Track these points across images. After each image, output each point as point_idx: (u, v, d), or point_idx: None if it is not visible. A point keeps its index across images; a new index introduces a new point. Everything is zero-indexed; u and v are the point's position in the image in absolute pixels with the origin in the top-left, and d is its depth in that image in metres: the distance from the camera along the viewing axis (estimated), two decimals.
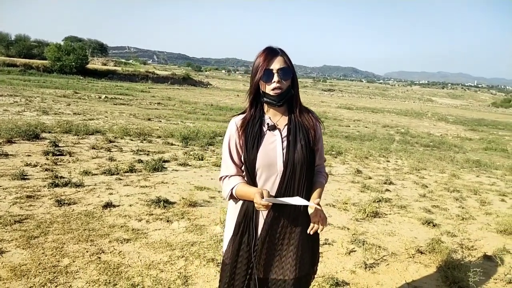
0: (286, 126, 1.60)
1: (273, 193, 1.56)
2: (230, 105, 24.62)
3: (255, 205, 1.47)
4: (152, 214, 3.93)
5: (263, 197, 1.44)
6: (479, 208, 5.69)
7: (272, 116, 1.62)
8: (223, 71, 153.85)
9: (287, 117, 1.62)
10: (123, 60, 76.50)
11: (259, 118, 1.60)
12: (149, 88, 35.03)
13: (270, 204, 1.43)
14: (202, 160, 6.90)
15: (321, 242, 3.68)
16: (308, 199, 1.61)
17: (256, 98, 1.61)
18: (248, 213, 1.58)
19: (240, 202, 1.62)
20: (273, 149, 1.56)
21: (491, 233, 4.57)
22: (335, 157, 9.26)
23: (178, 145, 8.21)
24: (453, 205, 5.69)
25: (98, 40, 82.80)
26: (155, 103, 21.28)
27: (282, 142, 1.57)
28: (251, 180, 1.58)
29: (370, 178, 7.14)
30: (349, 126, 22.40)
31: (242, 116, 1.64)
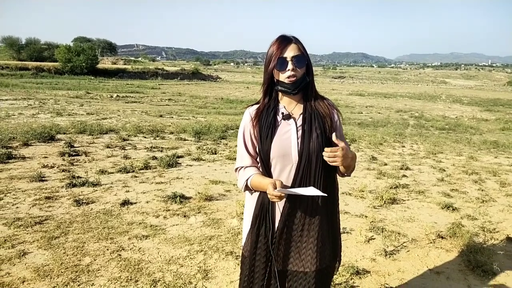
0: (301, 115, 1.56)
1: (288, 184, 1.52)
2: (240, 98, 24.58)
3: (268, 196, 1.45)
4: (169, 210, 3.96)
5: (276, 188, 1.41)
6: (499, 190, 5.56)
7: (286, 105, 1.59)
8: (232, 63, 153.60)
9: (302, 106, 1.58)
10: (132, 58, 77.04)
11: (274, 108, 1.57)
12: (159, 84, 35.20)
13: (283, 195, 1.40)
14: (215, 154, 6.91)
15: None
16: (325, 190, 1.56)
17: (270, 87, 1.58)
18: (264, 205, 1.57)
19: (256, 194, 1.60)
20: (287, 139, 1.52)
21: None
22: (349, 145, 9.16)
23: (190, 140, 8.24)
24: (472, 188, 5.58)
25: (106, 40, 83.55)
26: (166, 100, 21.38)
27: (297, 131, 1.53)
28: (266, 171, 1.55)
29: (385, 164, 7.05)
30: (362, 113, 22.12)
31: (256, 106, 1.62)
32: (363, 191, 4.94)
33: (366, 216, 4.11)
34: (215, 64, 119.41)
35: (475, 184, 5.83)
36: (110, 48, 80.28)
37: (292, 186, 1.52)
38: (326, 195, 1.44)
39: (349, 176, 1.62)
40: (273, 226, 1.55)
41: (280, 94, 1.59)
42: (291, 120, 1.55)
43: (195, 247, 3.16)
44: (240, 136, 1.62)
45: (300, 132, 1.53)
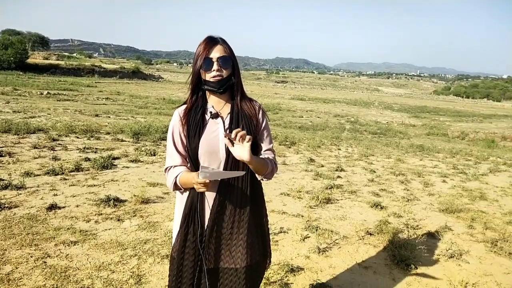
0: (229, 115, 1.60)
1: (217, 183, 1.55)
2: (183, 99, 23.91)
3: (195, 187, 1.46)
4: (101, 214, 3.77)
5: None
6: (422, 190, 6.06)
7: (214, 104, 1.62)
8: (175, 64, 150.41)
9: (229, 106, 1.63)
10: (66, 54, 72.23)
11: (202, 107, 1.61)
12: (96, 82, 33.44)
13: (207, 181, 1.40)
14: (154, 155, 6.72)
15: (276, 231, 3.76)
16: (252, 187, 1.63)
17: (198, 86, 1.62)
18: (193, 204, 1.57)
19: (186, 194, 1.60)
20: (215, 137, 1.56)
21: (434, 213, 4.88)
22: (289, 147, 9.41)
23: (128, 141, 7.93)
24: (399, 188, 6.02)
25: (38, 33, 77.25)
26: (103, 98, 20.36)
27: (225, 130, 1.57)
28: (195, 169, 1.57)
29: (322, 166, 7.35)
30: (302, 117, 22.85)
31: (184, 106, 1.65)
32: (300, 192, 5.10)
33: (303, 216, 4.25)
34: (157, 64, 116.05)
35: (402, 184, 6.30)
36: (42, 42, 74.35)
37: (220, 185, 1.55)
38: (244, 172, 1.52)
39: (269, 179, 1.66)
40: (202, 225, 1.56)
41: (208, 93, 1.63)
42: (219, 119, 1.59)
43: (129, 251, 3.04)
44: (170, 136, 1.63)
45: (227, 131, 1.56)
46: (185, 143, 1.59)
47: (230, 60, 1.56)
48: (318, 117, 23.51)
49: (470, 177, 7.48)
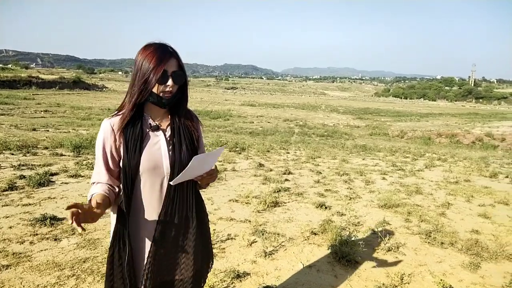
0: (169, 126, 1.55)
1: (161, 199, 1.50)
2: None
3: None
4: (37, 234, 3.55)
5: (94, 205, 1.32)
6: (364, 188, 6.37)
7: (153, 115, 1.54)
8: (120, 72, 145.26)
9: (169, 117, 1.57)
10: (0, 65, 67.11)
11: (139, 119, 1.51)
12: (33, 94, 31.41)
13: (80, 228, 1.28)
14: None
15: (223, 238, 3.76)
16: (197, 199, 1.64)
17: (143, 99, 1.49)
18: (120, 224, 1.50)
19: (115, 214, 1.54)
20: (157, 150, 1.49)
21: (374, 209, 5.15)
22: (239, 153, 9.47)
23: (68, 155, 7.53)
24: (343, 187, 6.28)
25: None
26: (41, 111, 19.18)
27: (167, 142, 1.52)
28: (129, 188, 1.47)
29: (271, 170, 7.48)
30: (253, 122, 23.10)
31: (117, 117, 1.51)
32: (248, 197, 5.15)
33: (250, 221, 4.29)
34: (100, 73, 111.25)
35: (345, 183, 6.58)
36: None
37: (166, 200, 1.50)
38: (222, 149, 1.55)
39: (205, 188, 1.69)
40: (128, 247, 1.48)
41: (146, 104, 1.54)
42: (160, 132, 1.52)
43: (66, 272, 2.89)
44: (100, 150, 1.49)
45: (170, 143, 1.52)
46: (117, 159, 1.49)
47: (184, 75, 1.50)
48: (268, 122, 23.90)
49: (407, 173, 7.99)
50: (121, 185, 1.50)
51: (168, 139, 1.53)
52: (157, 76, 1.41)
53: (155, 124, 1.52)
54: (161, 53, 1.43)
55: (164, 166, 1.49)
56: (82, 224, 1.28)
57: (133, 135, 1.46)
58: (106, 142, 1.48)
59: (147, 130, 1.51)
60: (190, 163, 1.35)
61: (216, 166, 1.54)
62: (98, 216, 1.35)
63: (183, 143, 1.53)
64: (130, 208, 1.49)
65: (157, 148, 1.49)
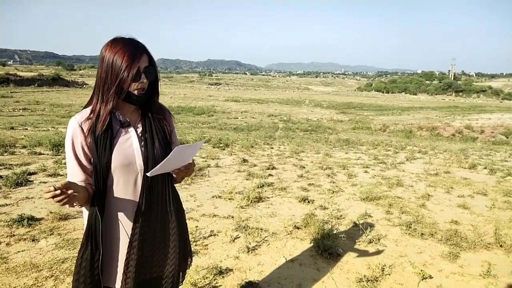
0: (140, 122, 1.51)
1: (136, 196, 1.48)
2: None
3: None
4: (14, 235, 3.45)
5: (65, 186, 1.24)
6: (346, 181, 6.43)
7: (123, 112, 1.49)
8: None
9: (139, 112, 1.53)
10: None
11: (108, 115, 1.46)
12: (11, 92, 30.59)
13: (58, 192, 1.20)
14: None
15: (206, 235, 3.74)
16: (174, 195, 1.62)
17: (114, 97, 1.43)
18: (91, 223, 1.45)
19: (87, 212, 1.50)
20: (129, 147, 1.45)
21: (356, 202, 5.20)
22: (223, 149, 9.42)
23: (47, 154, 7.35)
24: (326, 181, 6.33)
25: None
26: (19, 109, 18.71)
27: (138, 139, 1.49)
28: (103, 186, 1.43)
29: (255, 165, 7.47)
30: (237, 118, 23.05)
31: (85, 114, 1.45)
32: (231, 193, 5.13)
33: (233, 217, 4.28)
34: (80, 69, 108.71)
35: (328, 177, 6.63)
36: None
37: (141, 197, 1.47)
38: (202, 142, 1.56)
39: (180, 182, 1.68)
40: (97, 247, 1.44)
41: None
42: (131, 128, 1.49)
43: (44, 273, 2.82)
44: (69, 149, 1.43)
45: (142, 139, 1.49)
46: (90, 156, 1.43)
47: (155, 70, 1.46)
48: (253, 118, 23.89)
49: (389, 166, 8.11)
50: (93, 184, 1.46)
51: (140, 135, 1.50)
52: (132, 75, 1.37)
53: (126, 120, 1.48)
54: (133, 49, 1.39)
55: (137, 162, 1.46)
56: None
57: (102, 132, 1.42)
58: (75, 141, 1.43)
59: (117, 127, 1.47)
60: (170, 153, 1.33)
61: (193, 160, 1.52)
62: (76, 199, 1.32)
63: (155, 139, 1.51)
64: (104, 207, 1.46)
65: (128, 145, 1.46)
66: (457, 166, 8.51)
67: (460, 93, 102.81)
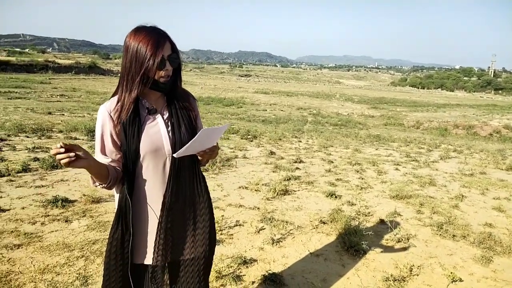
0: (166, 108, 1.54)
1: (165, 179, 1.51)
2: None
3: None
4: (48, 216, 3.61)
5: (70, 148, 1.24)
6: (376, 178, 6.28)
7: (148, 98, 1.52)
8: None
9: (165, 98, 1.55)
10: (17, 49, 68.30)
11: (135, 103, 1.48)
12: (49, 79, 31.93)
13: (62, 150, 1.21)
14: None
15: (232, 224, 3.77)
16: (200, 178, 1.62)
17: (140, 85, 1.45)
18: (121, 205, 1.50)
19: (117, 195, 1.54)
20: (157, 133, 1.49)
21: (385, 199, 5.08)
22: (251, 141, 9.45)
23: (82, 139, 7.63)
24: (354, 177, 6.21)
25: None
26: (57, 95, 19.50)
27: (165, 124, 1.52)
28: (133, 172, 1.47)
29: (282, 158, 7.44)
30: (266, 110, 23.00)
31: (113, 102, 1.49)
32: (258, 184, 5.14)
33: (259, 208, 4.29)
34: (115, 58, 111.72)
35: (357, 173, 6.50)
36: None
37: (169, 181, 1.50)
38: (227, 125, 1.58)
39: (204, 166, 1.69)
40: (127, 227, 1.49)
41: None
42: (158, 114, 1.52)
43: (76, 253, 2.94)
44: (99, 137, 1.48)
45: (169, 124, 1.52)
46: (119, 144, 1.48)
47: (178, 58, 1.47)
48: (282, 110, 23.76)
49: (421, 164, 7.85)
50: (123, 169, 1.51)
51: (166, 120, 1.52)
52: (157, 63, 1.38)
53: (152, 107, 1.51)
54: (156, 38, 1.39)
55: (165, 147, 1.49)
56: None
57: (129, 120, 1.44)
58: (105, 129, 1.47)
59: (144, 114, 1.50)
60: (197, 135, 1.34)
61: (217, 143, 1.53)
62: (81, 164, 1.28)
63: (182, 124, 1.53)
64: (133, 191, 1.50)
65: (156, 131, 1.49)
66: (493, 167, 8.13)
67: (500, 91, 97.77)
